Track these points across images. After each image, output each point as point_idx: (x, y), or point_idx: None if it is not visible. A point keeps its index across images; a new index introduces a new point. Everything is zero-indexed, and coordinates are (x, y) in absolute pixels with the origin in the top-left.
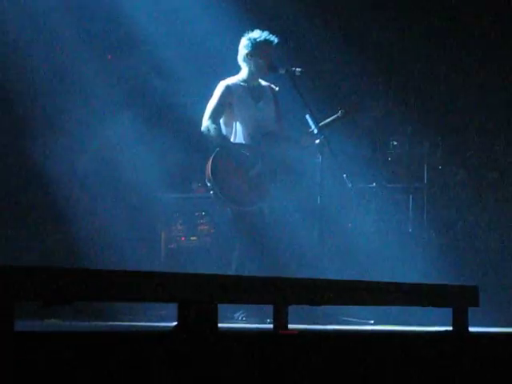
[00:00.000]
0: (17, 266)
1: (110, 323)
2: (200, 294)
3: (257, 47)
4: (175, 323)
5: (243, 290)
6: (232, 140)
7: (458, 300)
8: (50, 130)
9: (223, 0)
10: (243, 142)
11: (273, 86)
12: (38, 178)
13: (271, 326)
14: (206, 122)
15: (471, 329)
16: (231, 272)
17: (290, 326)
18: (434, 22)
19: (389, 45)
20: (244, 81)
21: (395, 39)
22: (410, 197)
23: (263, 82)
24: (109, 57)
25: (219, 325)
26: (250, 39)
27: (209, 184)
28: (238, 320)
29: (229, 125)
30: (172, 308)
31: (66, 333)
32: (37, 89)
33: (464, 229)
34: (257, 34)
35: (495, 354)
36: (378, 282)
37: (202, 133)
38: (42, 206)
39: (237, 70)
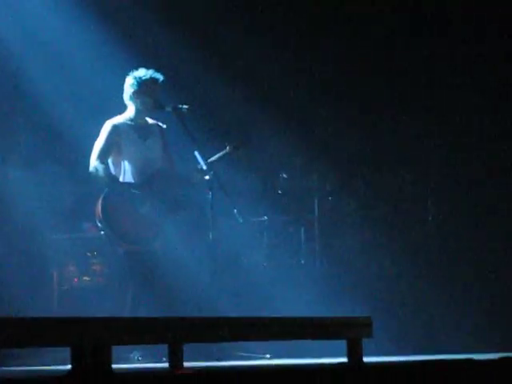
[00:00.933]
0: None
1: (1, 368)
2: (94, 337)
3: (142, 86)
4: (69, 366)
5: (137, 331)
6: (121, 179)
7: (352, 331)
8: None
9: (106, 37)
10: (132, 181)
11: (160, 123)
12: None
13: (167, 364)
14: (93, 163)
15: (366, 359)
16: (125, 313)
17: (186, 364)
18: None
19: (273, 76)
20: (131, 119)
21: (278, 70)
22: (302, 229)
23: (150, 120)
24: None
25: (115, 366)
26: (135, 78)
27: (99, 224)
28: (133, 360)
29: (117, 164)
30: (67, 350)
31: None
32: None
33: (356, 258)
34: (142, 73)
35: None
36: (272, 318)
37: (90, 173)
38: None
39: (123, 108)
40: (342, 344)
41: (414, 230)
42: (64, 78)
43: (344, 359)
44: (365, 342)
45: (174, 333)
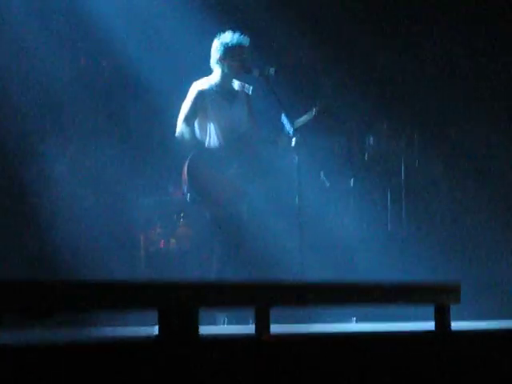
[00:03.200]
0: None
1: (91, 329)
2: (181, 300)
3: (229, 50)
4: (156, 328)
5: (224, 294)
6: (207, 143)
7: (440, 297)
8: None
9: (191, 3)
10: (218, 145)
11: (246, 86)
12: (14, 184)
13: (253, 327)
14: (180, 126)
15: (453, 324)
16: (212, 275)
17: (273, 327)
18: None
19: (362, 39)
20: (217, 84)
21: (371, 35)
22: (388, 193)
23: (236, 84)
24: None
25: (201, 328)
26: (222, 43)
27: (185, 187)
28: (220, 323)
29: (203, 128)
30: (152, 313)
31: (48, 345)
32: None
33: (444, 223)
34: (228, 37)
35: (478, 353)
36: (359, 282)
37: (176, 137)
38: (17, 213)
39: (209, 71)
40: (428, 309)
41: (506, 194)
42: (153, 41)
43: (431, 324)
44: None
45: (261, 296)
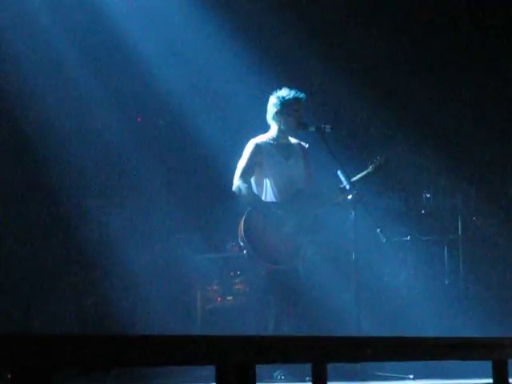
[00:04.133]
0: (56, 333)
1: None
2: (238, 356)
3: (285, 105)
4: None
5: (281, 349)
6: (263, 198)
7: (498, 352)
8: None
9: (253, 58)
10: (274, 201)
11: (302, 143)
12: (72, 243)
13: None
14: (237, 182)
15: None
16: (268, 332)
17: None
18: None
19: (418, 97)
20: (273, 139)
21: (424, 93)
22: (445, 249)
23: (293, 140)
24: (139, 119)
25: None
26: (278, 97)
27: (242, 243)
28: (276, 380)
29: (259, 183)
30: (211, 368)
31: None
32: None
33: (501, 280)
34: (285, 92)
35: None
36: (416, 338)
37: (233, 192)
38: (75, 272)
39: (266, 128)
40: (486, 365)
41: None
42: (209, 98)
43: (489, 380)
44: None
45: (318, 352)
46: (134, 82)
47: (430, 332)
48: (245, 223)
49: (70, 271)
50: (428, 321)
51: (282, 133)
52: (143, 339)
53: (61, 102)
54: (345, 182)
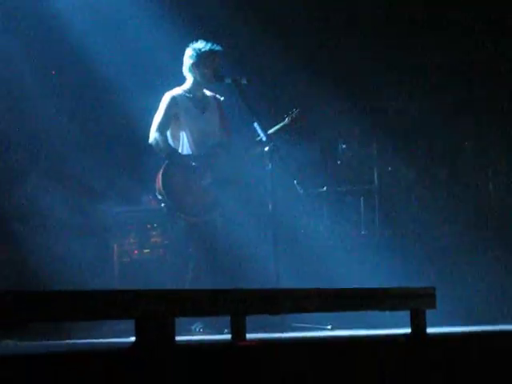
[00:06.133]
0: None
1: (66, 341)
2: (157, 309)
3: (202, 57)
4: (132, 338)
5: (200, 302)
6: (180, 151)
7: (415, 302)
8: None
9: (167, 12)
10: (191, 153)
11: (217, 96)
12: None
13: (229, 336)
14: (153, 135)
15: (429, 330)
16: (187, 284)
17: (248, 336)
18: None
19: (332, 43)
20: (189, 91)
21: (339, 39)
22: (362, 199)
23: (208, 93)
24: (53, 72)
25: (177, 338)
26: (194, 49)
27: (160, 197)
28: (195, 332)
29: (176, 136)
30: (128, 322)
31: (21, 355)
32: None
33: (416, 228)
34: (201, 44)
35: (452, 356)
36: (333, 289)
37: (149, 145)
38: None
39: (181, 81)
40: (404, 315)
41: (475, 199)
42: (124, 50)
43: (407, 330)
44: (428, 312)
45: (236, 305)
46: (50, 34)
47: (348, 283)
48: (163, 176)
49: None
50: (345, 272)
51: (197, 85)
52: (60, 294)
53: None
54: (261, 134)
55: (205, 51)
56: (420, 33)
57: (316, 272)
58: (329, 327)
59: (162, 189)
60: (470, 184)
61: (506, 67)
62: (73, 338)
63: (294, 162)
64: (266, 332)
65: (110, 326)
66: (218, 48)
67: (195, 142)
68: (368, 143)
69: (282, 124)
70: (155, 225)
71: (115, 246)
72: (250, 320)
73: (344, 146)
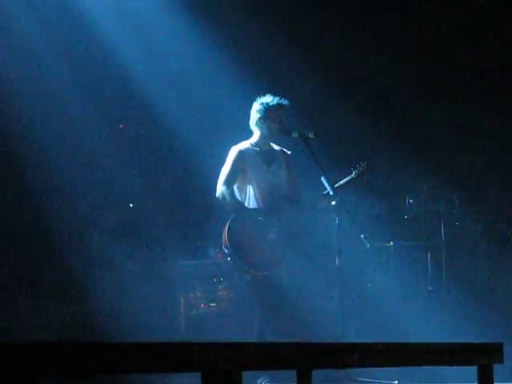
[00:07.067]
0: (37, 341)
1: None
2: (224, 362)
3: (269, 111)
4: None
5: (266, 356)
6: (246, 205)
7: (483, 357)
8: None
9: (235, 66)
10: (258, 207)
11: (285, 149)
12: (54, 249)
13: None
14: (220, 188)
15: None
16: (253, 338)
17: None
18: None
19: (403, 103)
20: (256, 145)
21: (409, 95)
22: (429, 254)
23: (275, 146)
24: (121, 126)
25: None
26: (262, 103)
27: (226, 250)
28: None
29: (243, 190)
30: (195, 376)
31: None
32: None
33: (484, 284)
34: (269, 99)
35: None
36: (402, 343)
37: (217, 199)
38: (59, 278)
39: (249, 134)
40: (471, 370)
41: None
42: (192, 106)
43: None
44: (495, 367)
45: (303, 358)
46: (118, 88)
47: (414, 338)
48: (229, 230)
49: (52, 279)
50: (412, 326)
51: (264, 139)
52: (128, 346)
53: (40, 106)
54: (328, 188)
55: (272, 105)
56: None
57: (382, 326)
58: (395, 382)
59: (227, 242)
60: None
61: None
62: None
63: (361, 216)
64: None
65: (177, 379)
66: (285, 102)
67: (262, 196)
68: (435, 198)
69: (349, 178)
70: (222, 278)
71: (182, 299)
72: (315, 373)
73: (411, 201)
